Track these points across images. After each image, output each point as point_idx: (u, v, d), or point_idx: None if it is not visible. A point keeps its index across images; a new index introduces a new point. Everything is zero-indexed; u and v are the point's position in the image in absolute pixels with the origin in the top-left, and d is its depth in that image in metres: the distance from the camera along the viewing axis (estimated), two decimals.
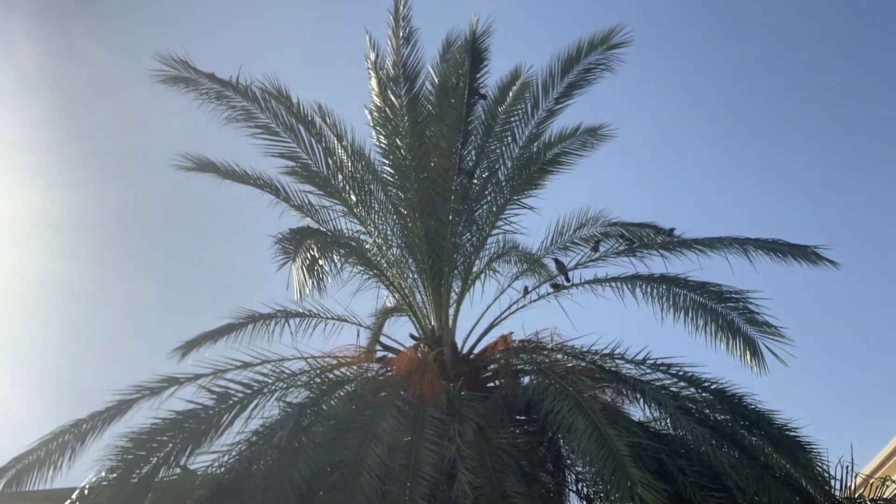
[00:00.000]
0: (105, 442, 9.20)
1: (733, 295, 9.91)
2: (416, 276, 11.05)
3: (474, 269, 11.20)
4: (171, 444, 8.85)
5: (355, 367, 10.31)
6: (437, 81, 10.96)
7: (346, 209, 11.33)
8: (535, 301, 11.00)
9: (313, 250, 8.65)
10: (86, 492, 8.85)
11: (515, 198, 11.24)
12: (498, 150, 11.10)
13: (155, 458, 8.79)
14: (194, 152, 11.26)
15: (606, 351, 10.27)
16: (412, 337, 10.80)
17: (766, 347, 9.51)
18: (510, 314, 10.91)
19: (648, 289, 10.24)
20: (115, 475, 8.80)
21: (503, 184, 11.14)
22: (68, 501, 8.92)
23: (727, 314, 9.76)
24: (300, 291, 8.26)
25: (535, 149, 11.32)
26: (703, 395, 10.14)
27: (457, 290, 11.01)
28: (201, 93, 10.67)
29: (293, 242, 8.80)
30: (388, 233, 11.19)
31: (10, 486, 9.31)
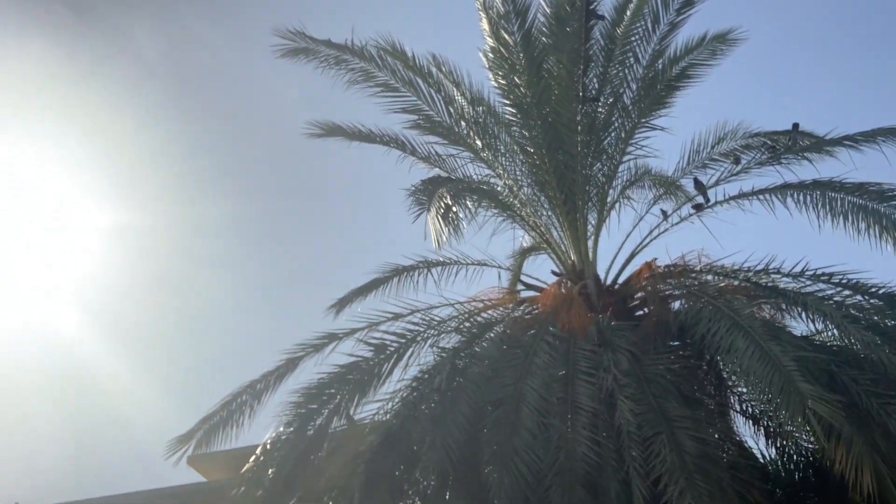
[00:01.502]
0: (279, 399, 9.84)
1: None
2: (550, 212, 10.97)
3: (608, 199, 10.98)
4: (338, 396, 9.37)
5: (501, 309, 10.45)
6: (549, 11, 10.65)
7: (472, 155, 11.36)
8: (676, 224, 10.70)
9: (446, 198, 8.75)
10: (268, 447, 9.52)
11: (644, 120, 10.88)
12: (621, 74, 10.72)
13: (326, 410, 9.34)
14: (319, 119, 11.58)
15: (760, 267, 9.87)
16: (553, 273, 10.80)
17: None
18: (651, 240, 10.68)
19: (800, 197, 9.69)
20: (291, 429, 9.43)
21: (629, 108, 10.79)
22: (253, 457, 9.64)
23: (891, 213, 9.09)
24: (437, 240, 8.41)
25: (659, 66, 10.86)
26: (871, 301, 9.55)
27: (593, 222, 10.85)
28: (320, 60, 10.93)
29: (426, 193, 8.95)
30: (517, 173, 11.14)
31: (200, 448, 10.12)
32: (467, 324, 10.06)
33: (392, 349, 9.70)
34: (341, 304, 11.48)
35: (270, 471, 9.32)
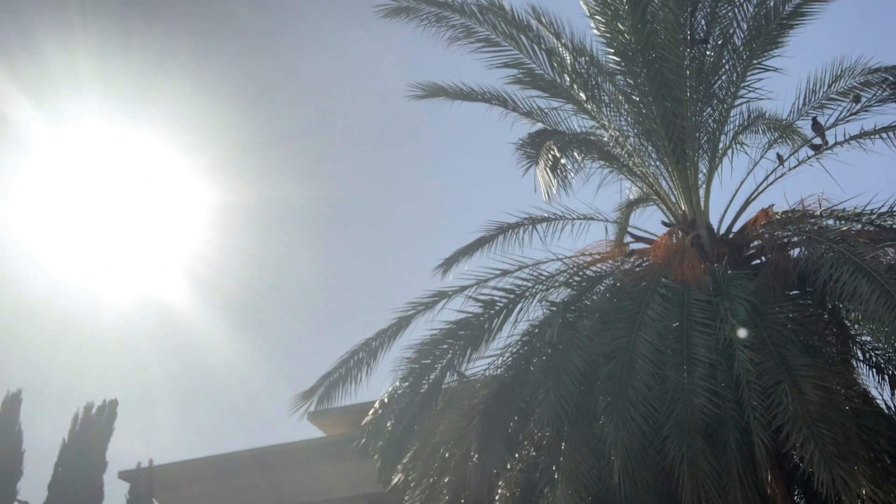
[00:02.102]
0: (393, 356, 10.15)
1: None
2: (658, 162, 10.74)
3: (720, 145, 10.63)
4: (450, 352, 9.57)
5: (610, 262, 10.37)
6: None
7: (575, 107, 11.21)
8: (793, 168, 10.29)
9: (553, 150, 8.72)
10: (386, 401, 9.86)
11: (756, 62, 10.41)
12: (730, 13, 10.27)
13: (439, 365, 9.57)
14: (421, 80, 11.67)
15: (885, 209, 9.40)
16: (664, 224, 10.60)
17: None
18: (767, 186, 10.33)
19: None
20: (407, 384, 9.72)
21: (741, 49, 10.35)
22: (372, 410, 10.02)
23: None
24: (547, 192, 8.40)
25: (771, 3, 10.33)
26: None
27: (704, 170, 10.55)
28: (421, 19, 10.97)
29: (533, 147, 8.94)
30: (623, 123, 10.93)
31: (322, 403, 10.57)
32: (576, 278, 10.05)
33: (501, 305, 9.81)
34: (448, 264, 11.64)
35: (389, 423, 9.66)
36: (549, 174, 8.38)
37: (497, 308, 9.85)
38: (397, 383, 9.79)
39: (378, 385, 10.30)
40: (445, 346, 9.61)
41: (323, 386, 10.33)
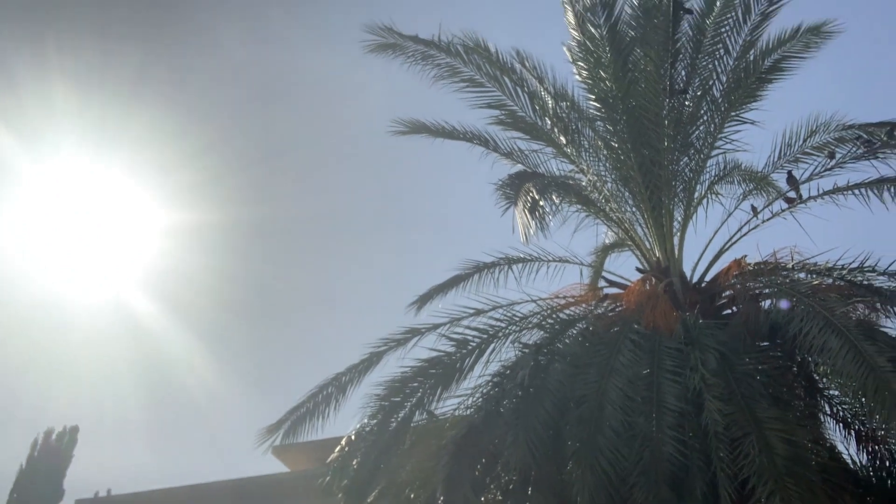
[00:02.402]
0: (363, 391, 10.04)
1: None
2: (634, 208, 10.83)
3: (696, 194, 10.75)
4: (421, 390, 9.49)
5: (584, 306, 10.38)
6: (635, 3, 10.52)
7: (555, 150, 11.31)
8: (767, 220, 10.40)
9: (532, 193, 8.76)
10: (353, 438, 9.72)
11: (733, 114, 10.59)
12: (710, 66, 10.48)
13: (408, 403, 9.48)
14: (403, 116, 11.74)
15: (855, 265, 9.53)
16: (638, 270, 10.65)
17: None
18: (740, 237, 10.42)
19: None
20: (375, 421, 9.61)
21: (719, 100, 10.54)
22: (339, 447, 9.87)
23: None
24: (525, 233, 8.42)
25: (750, 58, 10.57)
26: None
27: (679, 218, 10.65)
28: (407, 56, 11.06)
29: (513, 188, 8.98)
30: (601, 168, 11.03)
31: (288, 437, 10.40)
32: (549, 320, 10.05)
33: (474, 344, 9.78)
34: (422, 301, 11.60)
35: (355, 461, 9.52)
36: (528, 216, 8.42)
37: (469, 347, 9.81)
38: (365, 420, 9.68)
39: (346, 421, 10.17)
40: (416, 385, 9.53)
41: (289, 420, 10.18)
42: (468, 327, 10.03)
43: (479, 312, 10.32)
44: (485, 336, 9.83)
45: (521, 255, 11.36)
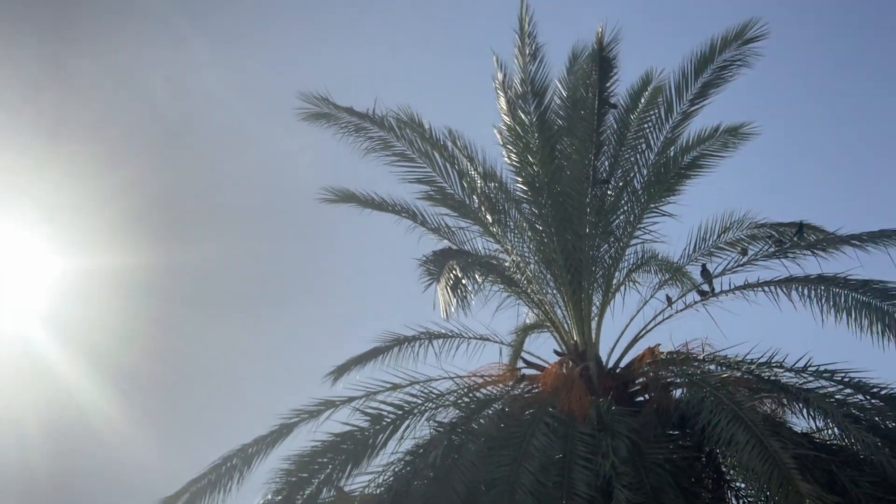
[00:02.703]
0: (270, 465, 9.69)
1: None
2: (555, 291, 11.00)
3: (614, 281, 11.01)
4: (330, 466, 9.22)
5: (501, 386, 10.38)
6: (565, 95, 10.95)
7: (481, 229, 11.46)
8: (681, 311, 10.69)
9: (456, 270, 8.80)
10: None
11: (653, 206, 10.99)
12: (632, 159, 10.91)
13: (316, 480, 9.18)
14: (334, 184, 11.76)
15: (763, 360, 9.83)
16: (556, 353, 10.75)
17: None
18: (655, 325, 10.67)
19: (805, 291, 9.71)
20: (280, 497, 9.25)
21: (639, 192, 10.92)
22: None
23: (894, 312, 9.09)
24: (446, 311, 8.42)
25: (671, 154, 11.04)
26: (872, 401, 9.51)
27: (597, 303, 10.86)
28: (340, 126, 11.14)
29: (436, 264, 9.01)
30: (525, 250, 11.21)
31: None
32: (466, 399, 9.98)
33: (388, 420, 9.60)
34: (339, 372, 11.42)
35: None
36: (450, 293, 8.43)
37: (384, 423, 9.62)
38: (270, 496, 9.31)
39: (250, 496, 9.75)
40: (325, 460, 9.26)
41: (189, 491, 9.73)
42: (384, 402, 9.86)
43: (395, 387, 10.18)
44: (400, 412, 9.67)
45: (443, 331, 11.33)
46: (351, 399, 10.15)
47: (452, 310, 8.56)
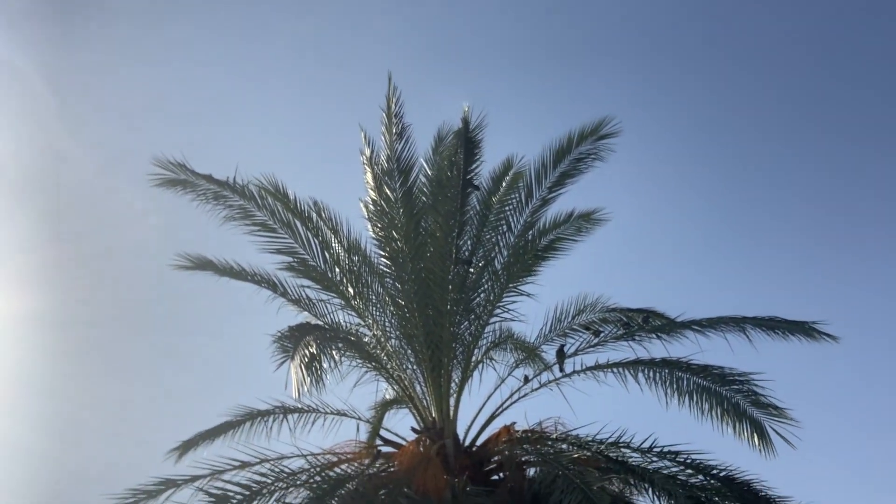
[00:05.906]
0: None
1: (737, 377, 9.84)
2: (415, 367, 10.96)
3: (473, 358, 11.12)
4: None
5: (356, 464, 10.11)
6: (430, 174, 11.17)
7: (343, 302, 11.32)
8: (536, 389, 10.89)
9: (312, 347, 8.58)
10: None
11: (512, 285, 11.26)
12: (493, 239, 11.21)
13: None
14: (190, 251, 11.34)
15: (612, 440, 10.14)
16: (413, 430, 10.63)
17: (773, 430, 9.37)
18: (511, 403, 10.79)
19: (650, 373, 10.15)
20: None
21: (500, 272, 11.19)
22: None
23: (731, 397, 9.66)
24: (298, 390, 8.15)
25: (530, 236, 11.43)
26: (712, 482, 9.97)
27: (457, 380, 10.90)
28: (199, 194, 10.81)
29: (292, 340, 8.74)
30: (387, 324, 11.15)
31: None
32: (318, 478, 9.61)
33: (234, 501, 9.07)
34: (185, 447, 10.80)
35: None
36: (304, 372, 8.18)
37: None
38: None
39: None
40: None
41: None
42: (230, 482, 9.33)
43: (244, 465, 9.71)
44: (247, 493, 9.16)
45: (298, 406, 10.98)
46: (195, 478, 9.59)
47: (305, 389, 8.28)
